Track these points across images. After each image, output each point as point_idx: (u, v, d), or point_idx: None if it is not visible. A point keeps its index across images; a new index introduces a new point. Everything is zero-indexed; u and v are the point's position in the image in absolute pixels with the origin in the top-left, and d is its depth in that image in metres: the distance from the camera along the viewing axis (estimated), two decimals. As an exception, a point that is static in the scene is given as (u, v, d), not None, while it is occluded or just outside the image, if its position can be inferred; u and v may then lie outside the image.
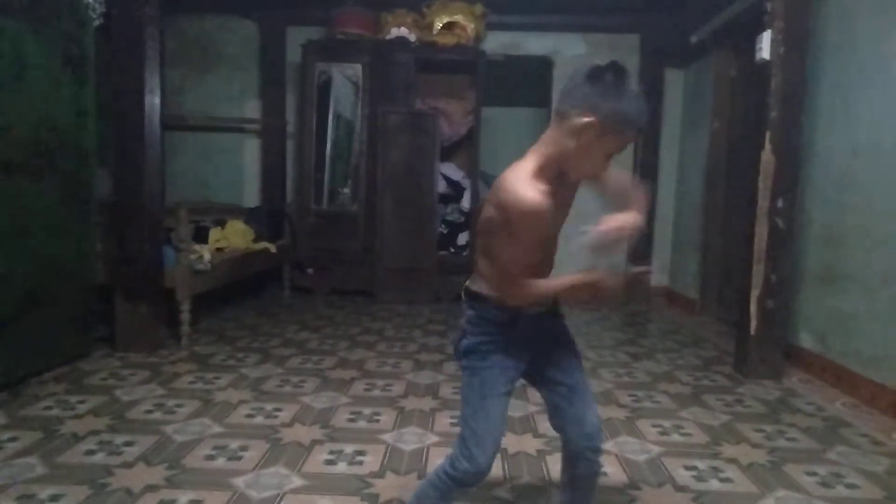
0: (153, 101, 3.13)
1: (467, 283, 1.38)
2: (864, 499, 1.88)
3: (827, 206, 3.12)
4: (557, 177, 1.24)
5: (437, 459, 2.00)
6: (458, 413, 2.42)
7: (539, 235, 1.22)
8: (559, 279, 1.28)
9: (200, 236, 3.84)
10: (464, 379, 1.37)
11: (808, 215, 3.23)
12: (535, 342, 1.38)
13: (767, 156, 2.99)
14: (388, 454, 2.07)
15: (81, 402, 2.45)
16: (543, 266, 1.34)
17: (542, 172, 1.21)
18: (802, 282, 3.26)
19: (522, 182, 1.17)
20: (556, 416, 1.44)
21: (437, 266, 4.80)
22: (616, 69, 1.17)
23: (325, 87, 4.90)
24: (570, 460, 1.47)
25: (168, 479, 1.84)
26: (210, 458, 2.00)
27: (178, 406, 2.45)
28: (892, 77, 2.71)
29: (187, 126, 5.16)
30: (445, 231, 5.13)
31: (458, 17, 4.77)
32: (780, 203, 3.00)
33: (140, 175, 3.10)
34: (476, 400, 1.34)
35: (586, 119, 1.16)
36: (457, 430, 2.26)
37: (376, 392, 2.72)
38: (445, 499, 1.39)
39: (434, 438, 2.21)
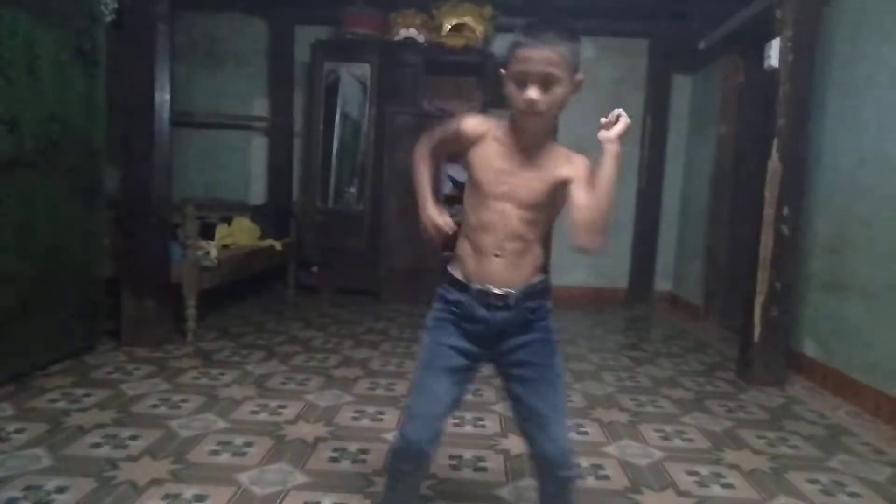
0: (163, 97, 3.15)
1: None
2: (865, 507, 1.88)
3: (833, 215, 3.12)
4: (515, 133, 1.31)
5: (441, 460, 2.02)
6: (460, 413, 2.43)
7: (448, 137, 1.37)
8: (424, 188, 1.43)
9: (207, 233, 3.87)
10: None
11: (813, 223, 3.23)
12: (490, 334, 1.33)
13: (774, 163, 2.99)
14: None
15: (87, 395, 2.47)
16: (484, 226, 1.32)
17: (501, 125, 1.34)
18: (807, 290, 3.27)
19: None
20: (521, 429, 1.39)
21: (442, 267, 4.80)
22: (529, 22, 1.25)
23: (333, 87, 4.92)
24: (537, 476, 1.42)
25: (173, 473, 1.86)
26: (214, 453, 2.01)
27: (183, 401, 2.46)
28: (901, 87, 2.71)
29: (195, 123, 5.18)
30: (451, 232, 5.13)
31: (467, 19, 4.78)
32: (785, 211, 3.00)
33: (148, 171, 3.12)
34: (418, 373, 1.37)
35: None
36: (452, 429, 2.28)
37: (380, 391, 2.73)
38: (393, 476, 1.41)
39: (437, 438, 2.22)
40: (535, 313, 1.34)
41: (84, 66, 2.89)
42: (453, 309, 1.35)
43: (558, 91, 1.24)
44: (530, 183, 1.30)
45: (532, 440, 1.36)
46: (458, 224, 1.41)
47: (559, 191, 1.30)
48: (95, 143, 3.00)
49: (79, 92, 2.87)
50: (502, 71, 1.29)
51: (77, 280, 2.93)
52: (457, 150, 1.38)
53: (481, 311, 1.32)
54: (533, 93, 1.22)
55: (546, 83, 1.22)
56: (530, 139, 1.30)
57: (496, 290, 1.31)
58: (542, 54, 1.21)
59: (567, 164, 1.30)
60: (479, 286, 1.32)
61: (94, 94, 2.96)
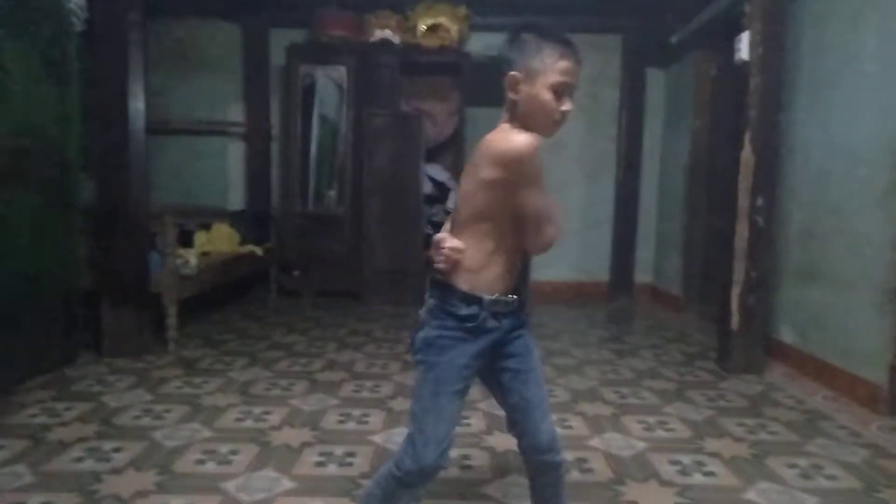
0: (137, 105, 3.13)
1: (433, 274, 1.36)
2: (842, 489, 1.93)
3: (805, 204, 3.18)
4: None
5: (426, 459, 2.02)
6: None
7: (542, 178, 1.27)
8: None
9: (186, 240, 3.84)
10: (418, 374, 1.34)
11: (787, 213, 3.29)
12: (497, 342, 1.34)
13: (747, 155, 3.04)
14: (377, 455, 2.08)
15: (68, 409, 2.44)
16: (519, 245, 1.31)
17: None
18: (782, 278, 3.33)
19: (512, 133, 1.26)
20: (512, 424, 1.42)
21: (424, 267, 4.82)
22: (533, 28, 1.29)
23: (310, 90, 4.91)
24: (529, 469, 1.46)
25: (158, 484, 1.85)
26: (200, 462, 2.01)
27: (167, 411, 2.45)
28: (864, 78, 2.77)
29: (171, 130, 5.13)
30: (431, 232, 5.14)
31: (442, 20, 4.79)
32: (759, 201, 3.06)
33: (125, 180, 3.10)
34: (428, 397, 1.31)
35: (510, 74, 1.28)
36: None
37: (365, 393, 2.73)
38: (389, 500, 1.35)
39: (423, 438, 2.23)
40: (524, 311, 1.38)
41: (55, 76, 2.85)
42: (467, 325, 1.30)
43: None
44: None
45: (526, 429, 1.38)
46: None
47: None
48: (68, 153, 2.97)
49: (50, 102, 2.83)
50: (517, 74, 1.27)
51: (54, 293, 2.89)
52: None
53: (492, 322, 1.32)
54: (569, 105, 1.27)
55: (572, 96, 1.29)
56: None
57: (506, 297, 1.32)
58: (578, 69, 1.28)
59: None
60: (490, 297, 1.30)
61: (65, 104, 2.93)
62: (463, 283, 1.31)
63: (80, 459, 2.00)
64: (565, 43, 1.27)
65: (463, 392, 1.35)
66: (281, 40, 5.07)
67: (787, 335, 3.29)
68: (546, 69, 1.25)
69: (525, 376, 1.38)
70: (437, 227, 5.18)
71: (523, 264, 1.37)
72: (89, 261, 3.16)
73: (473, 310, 1.29)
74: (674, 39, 4.65)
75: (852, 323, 2.78)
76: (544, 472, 1.42)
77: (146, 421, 2.35)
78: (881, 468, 2.07)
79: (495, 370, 1.40)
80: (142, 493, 1.79)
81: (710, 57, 4.49)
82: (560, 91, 1.26)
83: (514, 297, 1.33)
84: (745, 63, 3.05)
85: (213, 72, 5.31)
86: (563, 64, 1.25)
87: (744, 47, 3.04)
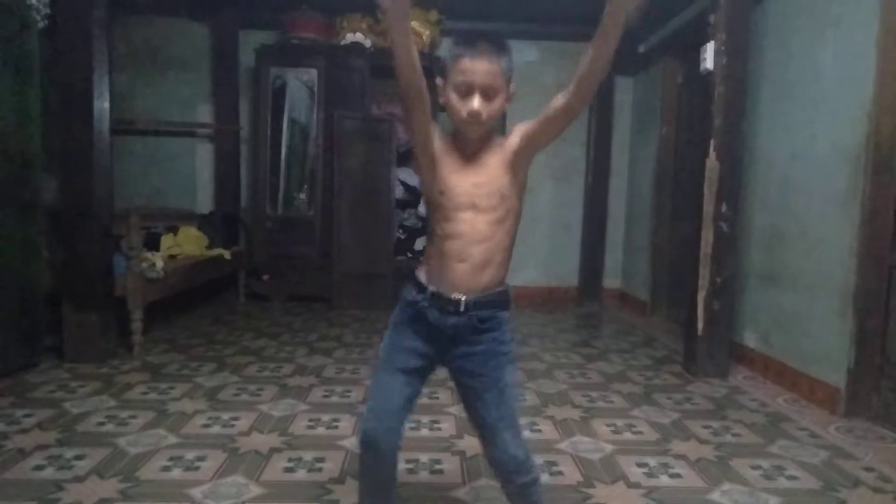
0: (101, 105, 3.06)
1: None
2: (803, 489, 1.98)
3: (769, 210, 3.26)
4: (460, 144, 1.35)
5: (400, 465, 2.02)
6: (416, 417, 2.45)
7: (422, 157, 1.35)
8: None
9: (152, 243, 3.77)
10: None
11: (751, 219, 3.37)
12: (441, 337, 1.35)
13: (712, 162, 3.11)
14: (347, 460, 2.07)
15: (28, 415, 2.37)
16: (451, 235, 1.32)
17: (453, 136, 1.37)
18: (747, 283, 3.40)
19: None
20: (475, 434, 1.43)
21: (395, 271, 4.81)
22: (460, 35, 1.32)
23: (280, 92, 4.87)
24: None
25: (122, 492, 1.81)
26: (166, 469, 1.97)
27: (131, 417, 2.40)
28: (822, 90, 2.86)
29: (137, 130, 5.04)
30: (403, 236, 5.14)
31: (414, 24, 4.78)
32: (724, 208, 3.12)
33: (88, 181, 3.03)
34: (377, 369, 1.42)
35: (437, 80, 1.34)
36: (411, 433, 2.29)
37: (335, 398, 2.71)
38: (360, 468, 1.42)
39: (393, 443, 2.22)
40: (485, 322, 1.35)
41: (14, 73, 2.78)
42: (409, 310, 1.38)
43: (498, 101, 1.29)
44: (488, 185, 1.32)
45: (483, 447, 1.41)
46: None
47: (518, 169, 1.34)
48: (29, 152, 2.90)
49: (9, 100, 2.76)
50: (439, 81, 1.33)
51: (13, 294, 2.82)
52: (417, 123, 1.33)
53: (433, 314, 1.34)
54: (476, 103, 1.27)
55: (487, 94, 1.27)
56: (476, 146, 1.35)
57: (450, 295, 1.33)
58: (484, 66, 1.26)
59: (509, 140, 1.34)
60: (434, 289, 1.34)
61: (26, 102, 2.86)
62: (419, 272, 1.40)
63: (40, 468, 1.95)
64: (469, 42, 1.27)
65: (404, 374, 1.36)
66: (250, 41, 5.02)
67: (750, 339, 3.37)
68: (451, 70, 1.29)
69: (481, 395, 1.36)
70: (409, 230, 5.19)
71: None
72: (52, 263, 3.08)
73: (418, 298, 1.36)
74: (642, 48, 4.73)
75: (813, 327, 2.86)
76: (508, 486, 1.41)
77: (110, 427, 2.29)
78: (839, 468, 2.13)
79: (456, 384, 1.42)
80: (105, 501, 1.75)
81: (677, 66, 4.58)
82: (462, 90, 1.27)
83: (461, 297, 1.32)
84: (709, 72, 3.12)
85: (180, 72, 5.23)
86: (462, 63, 1.26)
87: (709, 57, 3.11)
